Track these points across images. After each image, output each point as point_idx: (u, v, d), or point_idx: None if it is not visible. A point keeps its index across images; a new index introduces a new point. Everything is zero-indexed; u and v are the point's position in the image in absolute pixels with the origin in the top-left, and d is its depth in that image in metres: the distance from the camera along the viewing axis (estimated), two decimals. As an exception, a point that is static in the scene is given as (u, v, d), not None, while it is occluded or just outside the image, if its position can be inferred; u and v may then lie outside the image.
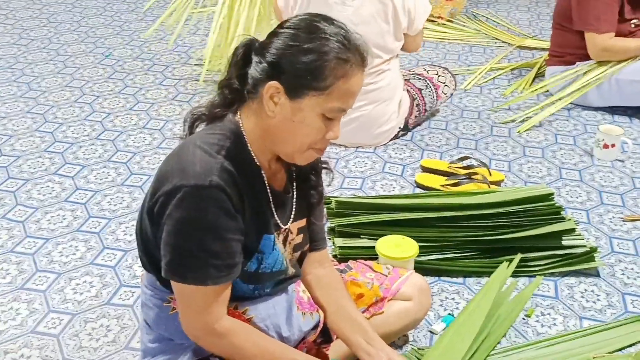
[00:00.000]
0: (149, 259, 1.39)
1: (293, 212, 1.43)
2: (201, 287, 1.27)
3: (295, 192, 1.45)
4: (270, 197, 1.36)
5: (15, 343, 1.82)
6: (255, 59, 1.27)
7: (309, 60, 1.22)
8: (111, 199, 2.46)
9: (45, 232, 2.27)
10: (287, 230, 1.42)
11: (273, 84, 1.23)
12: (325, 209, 1.61)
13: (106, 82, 3.42)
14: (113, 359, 1.77)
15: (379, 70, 2.72)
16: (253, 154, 1.32)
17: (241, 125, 1.31)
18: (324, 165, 1.50)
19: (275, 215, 1.38)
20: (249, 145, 1.31)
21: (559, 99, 3.15)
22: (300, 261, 1.53)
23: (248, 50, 1.29)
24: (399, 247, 1.99)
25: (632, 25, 3.06)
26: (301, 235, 1.47)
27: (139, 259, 1.45)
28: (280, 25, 1.30)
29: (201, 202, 1.22)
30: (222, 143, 1.27)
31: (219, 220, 1.24)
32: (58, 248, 2.19)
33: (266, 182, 1.35)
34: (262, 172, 1.34)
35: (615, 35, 3.02)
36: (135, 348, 1.79)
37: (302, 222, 1.47)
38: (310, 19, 1.27)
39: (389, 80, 2.76)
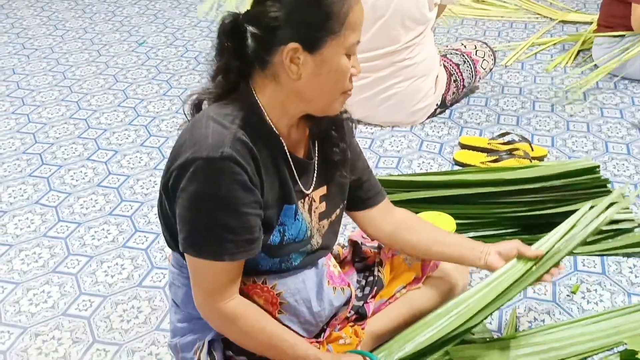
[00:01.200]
0: (171, 237, 1.35)
1: (314, 179, 1.37)
2: (216, 263, 1.22)
3: (317, 158, 1.38)
4: (293, 166, 1.30)
5: (47, 325, 1.80)
6: (250, 29, 1.19)
7: (314, 8, 1.16)
8: (144, 182, 2.44)
9: (78, 217, 2.26)
10: (310, 197, 1.36)
11: (291, 46, 1.17)
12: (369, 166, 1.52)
13: (139, 70, 3.41)
14: (143, 340, 1.75)
15: (413, 45, 2.63)
16: (271, 123, 1.26)
17: (256, 94, 1.25)
18: (344, 115, 1.43)
19: (299, 182, 1.32)
20: (265, 113, 1.25)
21: (603, 71, 3.02)
22: (332, 232, 1.47)
23: (236, 25, 1.22)
24: (436, 223, 1.91)
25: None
26: (324, 204, 1.40)
27: (164, 239, 1.41)
28: None
29: (214, 175, 1.17)
30: (236, 113, 1.22)
31: (234, 194, 1.19)
32: (90, 232, 2.18)
33: (287, 150, 1.29)
34: (282, 140, 1.28)
35: None
36: (165, 329, 1.76)
37: (324, 190, 1.40)
38: None
39: (425, 55, 2.68)
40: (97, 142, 2.73)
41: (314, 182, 1.37)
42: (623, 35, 3.02)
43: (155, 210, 2.25)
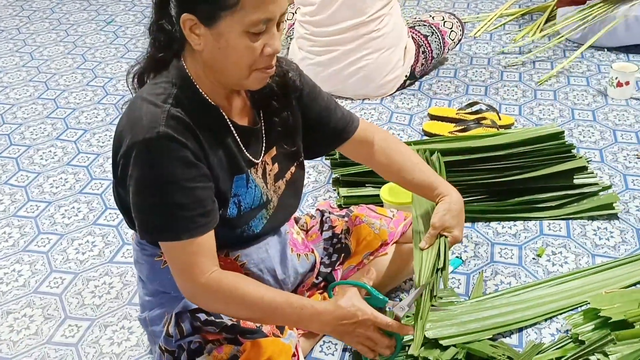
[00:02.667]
0: (130, 218, 1.36)
1: (264, 144, 1.37)
2: (179, 243, 1.21)
3: (262, 123, 1.37)
4: (236, 135, 1.29)
5: (18, 303, 1.81)
6: (172, 2, 1.17)
7: None
8: (113, 160, 2.43)
9: (48, 196, 2.25)
10: (263, 162, 1.37)
11: (186, 16, 1.15)
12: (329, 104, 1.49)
13: (108, 48, 3.38)
14: (115, 315, 1.76)
15: (380, 16, 2.64)
16: (205, 95, 1.24)
17: (186, 68, 1.23)
18: (291, 77, 1.39)
19: (246, 152, 1.32)
20: (198, 86, 1.23)
21: (568, 39, 3.05)
22: (292, 193, 1.46)
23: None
24: (403, 192, 1.94)
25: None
26: (276, 165, 1.40)
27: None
28: None
29: (153, 156, 1.16)
30: (168, 91, 1.20)
31: (177, 171, 1.17)
32: (60, 210, 2.18)
33: (228, 119, 1.28)
34: (221, 110, 1.27)
35: None
36: (137, 303, 1.76)
37: (273, 152, 1.39)
38: None
39: (392, 26, 2.68)
40: (66, 122, 2.71)
41: (263, 147, 1.36)
42: (584, 3, 3.05)
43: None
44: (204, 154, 1.22)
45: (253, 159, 1.33)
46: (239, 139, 1.30)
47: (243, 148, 1.31)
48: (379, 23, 2.64)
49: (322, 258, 1.62)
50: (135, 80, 1.28)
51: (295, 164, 1.46)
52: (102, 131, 2.63)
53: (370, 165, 1.59)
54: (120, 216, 2.09)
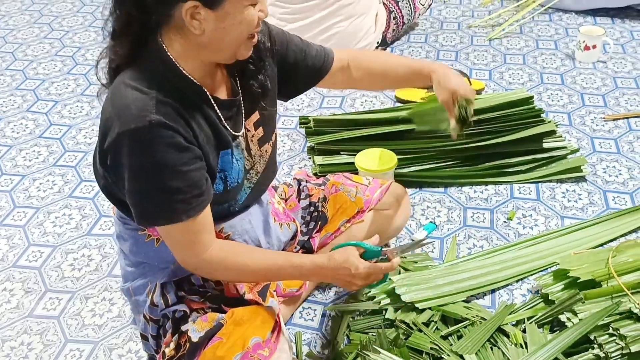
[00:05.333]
0: (113, 197, 1.37)
1: (243, 113, 1.38)
2: (176, 225, 1.24)
3: (241, 92, 1.37)
4: (219, 111, 1.30)
5: (-3, 278, 1.81)
6: None
7: None
8: (86, 132, 2.42)
9: (22, 169, 2.24)
10: (244, 132, 1.38)
11: (189, 3, 1.14)
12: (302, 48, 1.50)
13: (75, 17, 3.32)
14: (96, 287, 1.77)
15: (350, -17, 2.64)
16: (187, 74, 1.24)
17: (167, 50, 1.21)
18: (260, 39, 1.38)
19: (229, 127, 1.33)
20: (180, 67, 1.22)
21: (539, 4, 3.08)
22: (273, 158, 1.49)
23: None
24: (378, 159, 1.97)
25: None
26: (261, 129, 1.42)
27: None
28: None
29: (147, 144, 1.17)
30: (152, 75, 1.20)
31: (171, 157, 1.18)
32: (35, 184, 2.17)
33: (210, 96, 1.28)
34: (204, 88, 1.27)
35: None
36: (117, 275, 1.79)
37: (256, 116, 1.41)
38: None
39: (363, -7, 2.69)
40: (35, 93, 2.68)
41: (243, 116, 1.37)
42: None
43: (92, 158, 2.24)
44: (194, 134, 1.23)
45: (235, 133, 1.35)
46: (221, 115, 1.30)
47: (226, 123, 1.32)
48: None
49: (300, 227, 1.65)
50: (110, 74, 1.25)
51: (276, 125, 1.49)
52: (73, 102, 2.60)
53: (354, 86, 1.64)
54: (97, 188, 2.11)
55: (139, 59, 1.21)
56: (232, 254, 1.31)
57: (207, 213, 1.27)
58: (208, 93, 1.27)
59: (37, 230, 1.97)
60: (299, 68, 1.49)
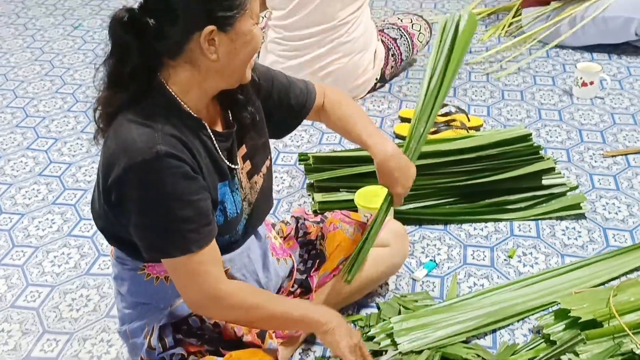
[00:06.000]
0: (112, 237, 1.37)
1: (236, 145, 1.39)
2: (189, 256, 1.23)
3: (235, 123, 1.39)
4: (217, 143, 1.31)
5: (-5, 319, 1.80)
6: (154, 21, 1.16)
7: None
8: (86, 170, 2.42)
9: (21, 208, 2.24)
10: (239, 165, 1.40)
11: (207, 30, 1.16)
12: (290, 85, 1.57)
13: (76, 54, 3.35)
14: (94, 328, 1.76)
15: (350, 21, 2.66)
16: (188, 108, 1.25)
17: (167, 86, 1.23)
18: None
19: (226, 159, 1.34)
20: (180, 101, 1.24)
21: (534, 39, 3.11)
22: (267, 190, 1.51)
23: (134, 20, 1.17)
24: (377, 197, 1.97)
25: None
26: (248, 162, 1.43)
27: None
28: None
29: (155, 176, 1.17)
30: (153, 111, 1.21)
31: (180, 187, 1.19)
32: (34, 222, 2.17)
33: (209, 129, 1.30)
34: (203, 122, 1.28)
35: None
36: (115, 315, 1.76)
37: (243, 150, 1.42)
38: None
39: (362, 31, 2.71)
40: (36, 131, 2.69)
41: (237, 149, 1.39)
42: (549, 3, 3.10)
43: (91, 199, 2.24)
44: (198, 165, 1.24)
45: (232, 165, 1.36)
46: (219, 147, 1.32)
47: (223, 155, 1.33)
48: (349, 28, 2.66)
49: (297, 265, 1.65)
50: (108, 118, 1.25)
51: (268, 156, 1.50)
52: (73, 139, 2.61)
53: (326, 126, 1.69)
54: (95, 227, 2.10)
55: (139, 98, 1.22)
56: (240, 294, 1.30)
57: (214, 244, 1.28)
58: (207, 126, 1.29)
59: (36, 270, 1.96)
60: (282, 106, 1.52)
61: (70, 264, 1.98)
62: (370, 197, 1.98)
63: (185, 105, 1.25)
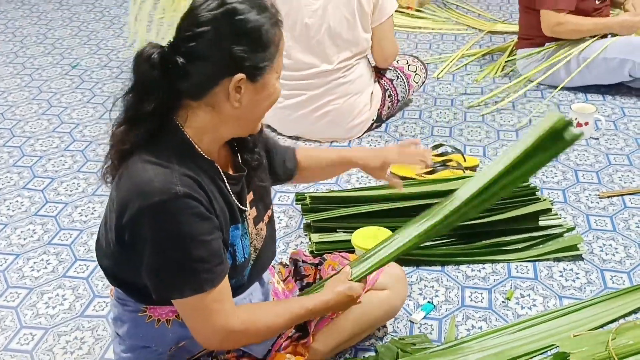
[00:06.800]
0: (117, 278, 1.36)
1: (246, 188, 1.41)
2: (202, 295, 1.24)
3: (245, 167, 1.42)
4: (229, 186, 1.33)
5: (-13, 362, 1.78)
6: (181, 61, 1.19)
7: (257, 40, 1.21)
8: (82, 210, 2.42)
9: (16, 248, 2.23)
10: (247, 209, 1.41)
11: (237, 77, 1.20)
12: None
13: (74, 93, 3.37)
14: (88, 372, 1.74)
15: (349, 65, 2.69)
16: (201, 151, 1.27)
17: (181, 127, 1.25)
18: None
19: (238, 202, 1.36)
20: (194, 143, 1.26)
21: (528, 80, 3.15)
22: (270, 236, 1.52)
23: (164, 58, 1.20)
24: (375, 238, 1.96)
25: (597, 2, 3.04)
26: (254, 209, 1.44)
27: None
28: (193, 19, 1.21)
29: (172, 216, 1.18)
30: (168, 152, 1.23)
31: (196, 227, 1.20)
32: (29, 263, 2.15)
33: (222, 172, 1.32)
34: (216, 164, 1.31)
35: (581, 14, 3.00)
36: (110, 358, 1.75)
37: (250, 196, 1.43)
38: (219, 2, 1.21)
39: (360, 73, 2.74)
40: (32, 170, 2.69)
41: (246, 194, 1.41)
42: (543, 45, 3.14)
43: (96, 238, 2.23)
44: (212, 206, 1.26)
45: (244, 208, 1.38)
46: (231, 190, 1.33)
47: (235, 199, 1.34)
48: (346, 71, 2.69)
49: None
50: (120, 155, 1.26)
51: (271, 205, 1.52)
52: (69, 179, 2.61)
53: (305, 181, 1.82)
54: (91, 267, 2.09)
55: (154, 138, 1.24)
56: (251, 320, 1.32)
57: (226, 281, 1.29)
58: (220, 169, 1.31)
59: (30, 312, 1.94)
60: (272, 167, 1.58)
61: (65, 306, 1.96)
62: (367, 238, 1.97)
63: (198, 148, 1.27)
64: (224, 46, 1.18)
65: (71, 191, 2.53)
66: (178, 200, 1.18)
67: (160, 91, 1.21)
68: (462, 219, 1.47)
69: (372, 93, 2.83)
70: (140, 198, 1.18)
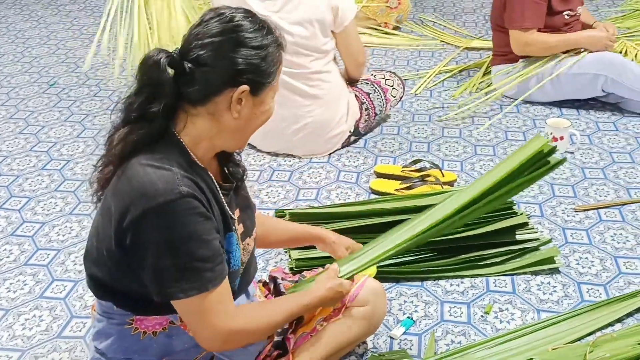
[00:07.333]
0: (106, 285, 1.35)
1: (234, 202, 1.44)
2: (205, 294, 1.26)
3: (233, 180, 1.46)
4: (221, 194, 1.37)
5: (-38, 385, 1.75)
6: (188, 67, 1.25)
7: (264, 56, 1.27)
8: (59, 229, 2.40)
9: (-8, 269, 2.20)
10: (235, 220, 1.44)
11: (242, 88, 1.26)
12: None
13: (51, 112, 3.35)
14: (65, 393, 1.72)
15: (318, 73, 2.72)
16: (196, 159, 1.31)
17: (177, 134, 1.30)
18: None
19: (230, 210, 1.39)
20: (189, 151, 1.30)
21: (504, 95, 3.19)
22: (253, 254, 1.56)
23: (173, 64, 1.27)
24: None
25: (566, 17, 3.09)
26: (242, 225, 1.47)
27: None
28: (204, 30, 1.27)
29: (176, 216, 1.21)
30: (168, 156, 1.26)
31: (199, 226, 1.24)
32: (5, 284, 2.13)
33: (215, 181, 1.35)
34: (209, 173, 1.35)
35: (551, 29, 3.05)
36: (88, 380, 1.73)
37: (237, 212, 1.46)
38: (230, 17, 1.28)
39: (333, 83, 2.77)
40: (9, 190, 2.66)
41: (234, 204, 1.45)
42: (517, 61, 3.19)
43: (73, 257, 2.22)
44: (211, 209, 1.29)
45: (235, 216, 1.42)
46: (224, 199, 1.37)
47: (227, 207, 1.38)
48: (319, 80, 2.72)
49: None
50: (125, 151, 1.29)
51: (255, 223, 1.54)
52: (46, 198, 2.59)
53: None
54: (68, 288, 2.07)
55: (152, 144, 1.28)
56: (247, 318, 1.35)
57: (227, 281, 1.32)
58: (213, 177, 1.35)
59: (6, 334, 1.92)
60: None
61: (41, 327, 1.94)
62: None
63: (194, 157, 1.31)
64: (232, 57, 1.25)
65: (48, 210, 2.51)
66: (183, 200, 1.21)
67: (167, 93, 1.25)
68: (447, 229, 1.59)
69: (348, 104, 2.84)
70: (144, 200, 1.20)
